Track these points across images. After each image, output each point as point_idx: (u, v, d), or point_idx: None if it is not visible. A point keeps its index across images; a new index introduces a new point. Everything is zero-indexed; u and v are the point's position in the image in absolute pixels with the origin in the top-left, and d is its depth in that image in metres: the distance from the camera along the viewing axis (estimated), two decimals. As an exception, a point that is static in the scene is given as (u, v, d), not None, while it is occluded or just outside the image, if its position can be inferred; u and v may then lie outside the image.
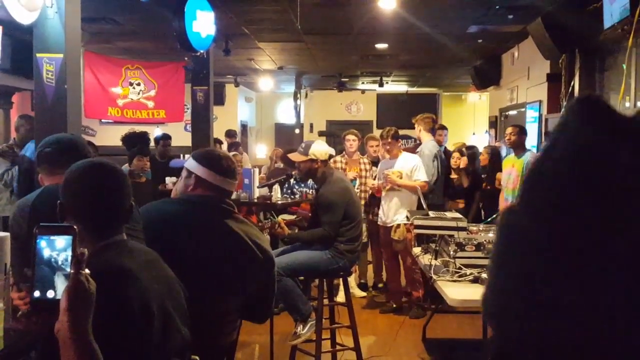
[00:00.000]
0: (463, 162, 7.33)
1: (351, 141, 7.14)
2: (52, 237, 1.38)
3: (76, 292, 1.35)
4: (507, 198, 6.45)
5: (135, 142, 6.62)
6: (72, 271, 1.36)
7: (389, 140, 6.34)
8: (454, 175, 7.23)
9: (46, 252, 1.37)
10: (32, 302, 1.38)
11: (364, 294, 7.19)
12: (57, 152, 2.64)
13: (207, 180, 2.64)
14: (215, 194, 2.65)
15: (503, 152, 7.98)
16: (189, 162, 2.71)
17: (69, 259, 1.37)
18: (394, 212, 6.33)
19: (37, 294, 1.36)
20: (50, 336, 1.46)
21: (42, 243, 1.37)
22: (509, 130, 6.55)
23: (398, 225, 6.26)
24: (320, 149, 4.65)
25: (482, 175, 7.39)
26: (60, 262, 1.37)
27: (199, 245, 2.56)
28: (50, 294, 1.36)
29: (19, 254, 2.35)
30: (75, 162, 2.05)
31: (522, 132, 6.41)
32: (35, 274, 1.36)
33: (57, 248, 1.37)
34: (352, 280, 7.14)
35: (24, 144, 5.46)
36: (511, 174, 6.37)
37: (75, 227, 1.41)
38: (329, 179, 4.62)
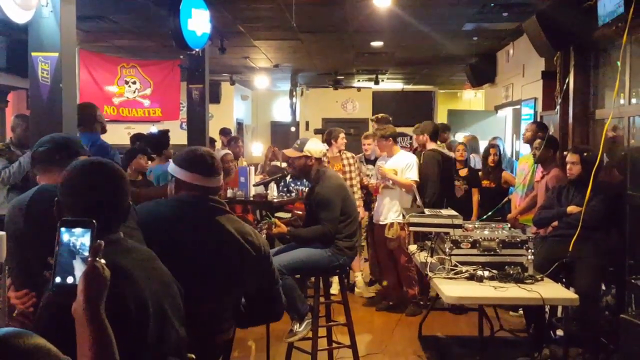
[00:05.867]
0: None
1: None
2: (73, 230, 1.54)
3: (92, 276, 1.50)
4: (518, 192, 6.53)
5: (160, 141, 6.66)
6: (89, 258, 1.51)
7: (378, 138, 6.46)
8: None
9: (67, 243, 1.53)
10: (53, 287, 1.52)
11: (372, 294, 7.16)
12: (50, 151, 2.65)
13: (187, 182, 2.66)
14: (199, 193, 2.66)
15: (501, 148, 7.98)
16: (170, 165, 2.75)
17: (87, 248, 1.53)
18: (388, 211, 6.37)
19: (58, 279, 1.51)
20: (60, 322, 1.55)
21: (64, 235, 1.54)
22: (527, 126, 6.73)
23: (392, 224, 6.29)
24: (314, 146, 4.66)
25: (479, 173, 7.37)
26: (79, 252, 1.53)
27: (190, 244, 2.56)
28: (69, 279, 1.51)
29: (15, 253, 2.35)
30: (69, 160, 2.06)
31: (539, 129, 6.44)
32: (57, 263, 1.52)
33: (77, 239, 1.54)
34: (361, 280, 7.16)
35: (21, 144, 5.44)
36: (524, 170, 6.50)
37: (94, 221, 1.55)
38: (322, 177, 4.63)
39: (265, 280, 2.78)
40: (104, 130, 5.02)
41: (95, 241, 1.54)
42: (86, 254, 1.52)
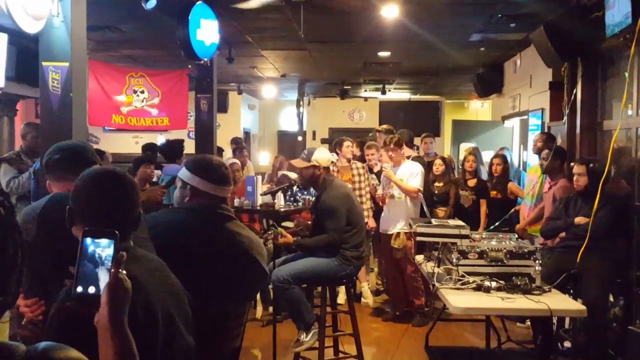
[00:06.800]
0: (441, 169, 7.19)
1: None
2: (96, 240, 1.54)
3: (116, 287, 1.50)
4: (526, 203, 6.52)
5: (175, 150, 6.67)
6: (112, 270, 1.51)
7: (392, 146, 6.40)
8: (438, 184, 7.14)
9: (91, 253, 1.53)
10: (74, 297, 1.51)
11: (379, 304, 7.12)
12: (65, 159, 2.64)
13: (201, 190, 2.67)
14: (211, 201, 2.68)
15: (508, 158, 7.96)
16: (182, 172, 2.74)
17: (110, 259, 1.53)
18: (395, 220, 6.36)
19: (79, 289, 1.51)
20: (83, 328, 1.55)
21: (89, 245, 1.53)
22: (536, 137, 6.78)
23: (398, 234, 6.28)
24: (322, 155, 4.68)
25: (487, 183, 7.34)
26: (101, 262, 1.53)
27: (201, 252, 2.58)
28: (91, 289, 1.51)
29: (27, 261, 2.35)
30: (83, 168, 2.07)
31: (549, 139, 6.44)
32: (79, 272, 1.51)
33: (102, 250, 1.54)
34: (367, 290, 7.14)
35: (32, 152, 5.49)
36: (532, 181, 6.51)
37: (116, 232, 1.55)
38: (329, 186, 4.64)
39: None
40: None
41: (117, 252, 1.54)
42: (109, 264, 1.52)
